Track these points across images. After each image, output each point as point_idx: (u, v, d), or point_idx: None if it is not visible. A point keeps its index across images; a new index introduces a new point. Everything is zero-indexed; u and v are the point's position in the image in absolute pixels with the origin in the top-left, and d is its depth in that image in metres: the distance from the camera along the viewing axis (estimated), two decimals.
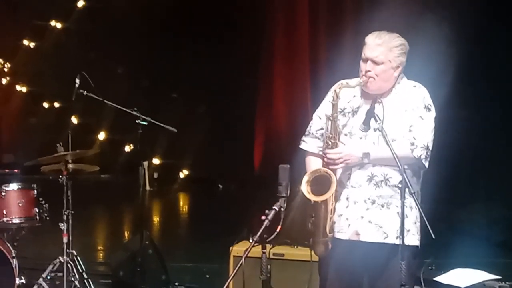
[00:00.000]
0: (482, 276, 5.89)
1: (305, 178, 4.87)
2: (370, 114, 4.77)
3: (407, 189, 4.63)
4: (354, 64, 5.00)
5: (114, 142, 15.13)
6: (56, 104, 15.70)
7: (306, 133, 5.12)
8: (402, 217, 4.65)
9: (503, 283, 5.80)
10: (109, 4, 14.86)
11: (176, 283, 7.71)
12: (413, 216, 4.90)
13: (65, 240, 7.04)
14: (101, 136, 15.43)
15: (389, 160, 4.75)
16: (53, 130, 12.70)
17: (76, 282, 6.99)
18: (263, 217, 4.88)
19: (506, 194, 11.42)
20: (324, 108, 5.04)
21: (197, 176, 15.39)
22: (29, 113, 15.93)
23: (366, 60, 4.89)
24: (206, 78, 14.29)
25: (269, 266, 5.11)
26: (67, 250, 7.04)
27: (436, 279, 5.85)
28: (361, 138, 4.90)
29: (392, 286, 4.73)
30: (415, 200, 4.75)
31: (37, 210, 7.06)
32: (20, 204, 7.00)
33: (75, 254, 7.14)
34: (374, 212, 4.88)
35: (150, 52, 14.74)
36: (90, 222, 11.64)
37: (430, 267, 5.95)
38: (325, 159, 4.90)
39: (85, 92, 7.20)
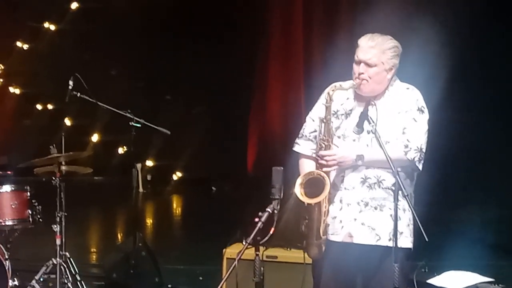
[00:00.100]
0: (475, 278, 5.90)
1: (299, 180, 4.87)
2: (364, 116, 4.77)
3: (400, 191, 4.63)
4: (348, 66, 5.00)
5: (108, 144, 15.09)
6: (50, 106, 15.67)
7: (300, 135, 5.12)
8: (396, 219, 4.65)
9: (496, 285, 5.80)
10: (109, 4, 14.84)
11: (169, 285, 7.71)
12: (406, 218, 4.90)
13: (58, 242, 7.02)
14: (95, 138, 15.40)
15: (383, 163, 4.75)
16: (47, 132, 12.71)
17: (69, 284, 6.98)
18: (257, 219, 4.88)
19: (500, 196, 11.45)
20: (317, 111, 5.05)
21: (190, 178, 15.37)
22: (23, 115, 15.89)
23: (359, 63, 4.90)
24: (205, 78, 14.28)
25: (262, 269, 5.09)
26: (60, 252, 7.03)
27: (429, 281, 5.86)
28: (354, 140, 4.91)
29: None
30: (408, 202, 4.75)
31: (30, 212, 7.06)
32: (13, 206, 6.99)
33: (68, 256, 7.12)
34: (367, 214, 4.89)
35: (149, 52, 14.73)
36: (83, 224, 11.62)
37: (423, 269, 5.96)
38: (319, 160, 4.90)
39: (79, 94, 7.19)
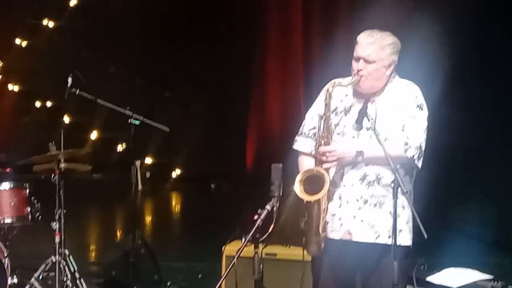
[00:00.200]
0: (475, 275, 5.89)
1: (298, 178, 4.86)
2: (363, 113, 4.76)
3: (399, 189, 4.62)
4: (347, 63, 4.99)
5: (107, 141, 15.11)
6: (49, 103, 15.68)
7: (299, 133, 5.11)
8: (395, 216, 4.64)
9: (496, 282, 5.80)
10: (108, 3, 14.84)
11: (169, 283, 7.70)
12: (406, 215, 4.89)
13: (57, 239, 7.01)
14: (94, 135, 15.41)
15: (382, 159, 4.74)
16: (46, 129, 12.72)
17: (68, 282, 6.97)
18: (256, 217, 4.87)
19: (499, 193, 11.44)
20: (316, 108, 5.04)
21: (189, 175, 15.37)
22: (22, 112, 15.90)
23: (358, 59, 4.88)
24: (204, 76, 14.29)
25: (261, 266, 5.09)
26: (59, 250, 7.01)
27: (428, 278, 5.85)
28: (353, 137, 4.90)
29: (385, 285, 4.73)
30: (407, 200, 4.75)
31: (29, 210, 7.04)
32: (12, 204, 6.97)
33: (68, 253, 7.11)
34: (366, 211, 4.88)
35: (148, 51, 14.73)
36: (83, 222, 11.63)
37: (422, 267, 5.95)
38: (319, 156, 4.90)
39: (77, 91, 7.18)
